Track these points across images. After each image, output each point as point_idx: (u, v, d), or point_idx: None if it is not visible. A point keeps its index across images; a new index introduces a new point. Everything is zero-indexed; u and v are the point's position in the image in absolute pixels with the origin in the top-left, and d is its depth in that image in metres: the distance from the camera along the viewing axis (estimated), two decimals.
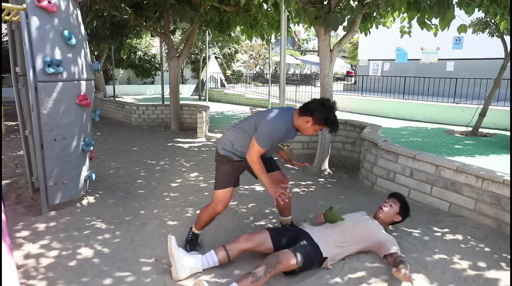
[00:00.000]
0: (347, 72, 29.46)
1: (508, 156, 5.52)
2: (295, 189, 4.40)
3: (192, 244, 2.89)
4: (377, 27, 5.59)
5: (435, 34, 5.07)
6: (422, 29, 4.87)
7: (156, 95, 19.36)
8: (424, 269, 2.61)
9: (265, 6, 7.23)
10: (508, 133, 8.20)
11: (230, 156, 2.74)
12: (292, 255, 2.41)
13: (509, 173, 3.27)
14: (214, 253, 2.53)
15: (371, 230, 2.76)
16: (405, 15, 5.15)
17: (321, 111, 2.53)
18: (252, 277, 2.22)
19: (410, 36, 5.63)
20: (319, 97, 3.36)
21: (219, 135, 8.00)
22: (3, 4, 3.11)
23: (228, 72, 23.28)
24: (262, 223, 3.38)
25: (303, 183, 4.67)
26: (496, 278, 2.51)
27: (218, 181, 2.77)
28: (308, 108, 2.57)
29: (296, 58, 31.10)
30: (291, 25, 8.19)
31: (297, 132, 2.71)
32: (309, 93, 14.57)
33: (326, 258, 2.58)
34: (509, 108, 9.20)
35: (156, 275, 2.52)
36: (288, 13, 7.25)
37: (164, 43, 9.26)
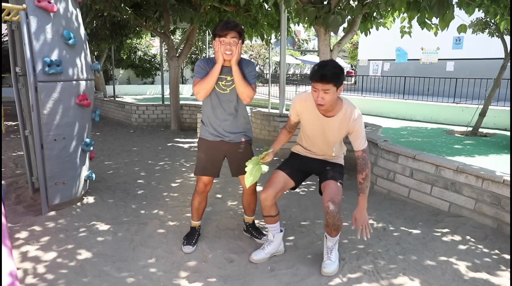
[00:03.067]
0: (347, 72, 29.49)
1: (508, 156, 5.52)
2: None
3: (189, 238, 2.95)
4: (377, 29, 5.59)
5: (436, 34, 5.07)
6: (422, 29, 4.87)
7: (156, 95, 19.35)
8: (424, 269, 2.61)
9: (265, 6, 7.23)
10: (508, 133, 8.20)
11: (203, 136, 2.80)
12: (339, 187, 2.64)
13: (509, 173, 3.27)
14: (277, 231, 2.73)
15: (335, 134, 2.73)
16: (405, 15, 5.15)
17: None
18: (335, 230, 2.52)
19: (410, 36, 5.64)
20: None
21: None
22: (3, 4, 3.11)
23: None
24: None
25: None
26: (496, 279, 2.51)
27: (195, 165, 2.90)
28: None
29: (296, 58, 31.12)
30: (291, 25, 8.19)
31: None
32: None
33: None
34: (509, 108, 9.20)
35: (156, 275, 2.52)
36: (288, 13, 7.25)
37: (164, 43, 9.26)
